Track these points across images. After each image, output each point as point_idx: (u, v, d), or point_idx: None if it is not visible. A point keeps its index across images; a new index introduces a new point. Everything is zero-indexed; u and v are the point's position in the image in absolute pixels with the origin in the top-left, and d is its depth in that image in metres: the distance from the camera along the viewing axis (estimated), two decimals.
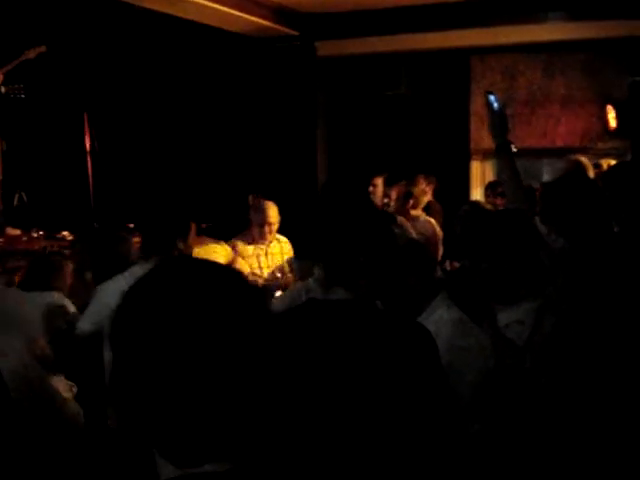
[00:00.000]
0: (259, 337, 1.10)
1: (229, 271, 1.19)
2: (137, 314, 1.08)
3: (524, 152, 8.49)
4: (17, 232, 7.37)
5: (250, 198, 7.31)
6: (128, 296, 1.11)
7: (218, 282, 1.11)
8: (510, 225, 2.76)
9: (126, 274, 3.48)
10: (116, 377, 1.09)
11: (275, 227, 5.24)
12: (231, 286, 1.12)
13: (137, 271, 3.18)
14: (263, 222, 5.16)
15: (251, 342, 1.08)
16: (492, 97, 3.19)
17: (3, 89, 7.24)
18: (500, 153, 3.18)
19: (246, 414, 1.08)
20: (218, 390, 1.05)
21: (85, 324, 3.59)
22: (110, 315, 1.12)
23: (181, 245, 3.67)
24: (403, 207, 6.27)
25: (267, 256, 5.26)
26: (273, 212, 5.20)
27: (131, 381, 1.06)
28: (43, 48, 7.32)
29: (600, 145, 8.07)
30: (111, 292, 3.28)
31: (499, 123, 3.18)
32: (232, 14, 7.21)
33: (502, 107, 3.20)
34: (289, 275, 4.87)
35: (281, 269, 5.08)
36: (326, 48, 8.70)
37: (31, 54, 7.24)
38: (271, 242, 5.27)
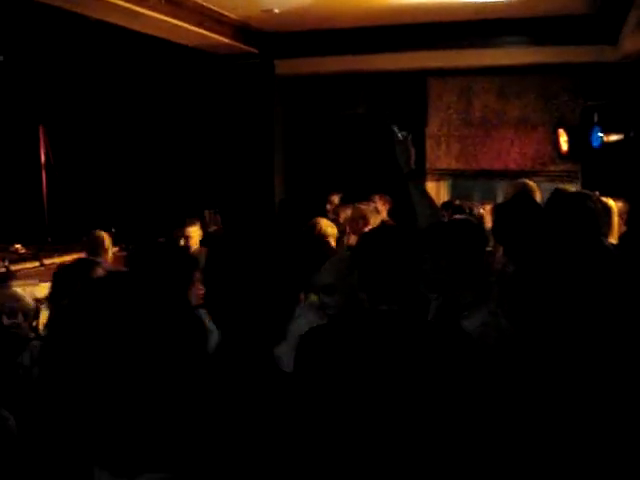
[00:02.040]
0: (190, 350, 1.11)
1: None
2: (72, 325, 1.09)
3: (478, 174, 8.64)
4: None
5: (206, 213, 7.32)
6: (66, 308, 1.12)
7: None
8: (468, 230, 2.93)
9: None
10: (54, 384, 1.09)
11: None
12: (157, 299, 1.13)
13: None
14: None
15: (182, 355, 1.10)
16: (395, 128, 3.33)
17: None
18: (409, 180, 3.30)
19: (180, 423, 1.09)
20: (152, 399, 1.06)
21: None
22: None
23: None
24: (357, 227, 6.29)
25: None
26: None
27: (69, 389, 1.07)
28: None
29: (552, 168, 8.22)
30: None
31: (404, 152, 3.31)
32: (192, 30, 7.22)
33: (406, 136, 3.33)
34: None
35: None
36: (285, 66, 8.75)
37: None
38: None
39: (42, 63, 8.39)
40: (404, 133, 3.33)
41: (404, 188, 3.21)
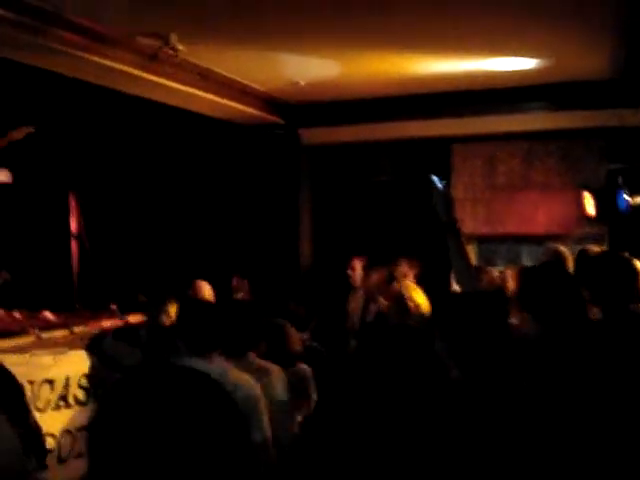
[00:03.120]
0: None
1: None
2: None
3: (504, 238, 8.63)
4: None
5: (234, 280, 7.36)
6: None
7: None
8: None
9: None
10: None
11: None
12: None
13: None
14: None
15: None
16: (435, 178, 3.31)
17: None
18: (447, 232, 3.24)
19: None
20: None
21: None
22: None
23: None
24: (386, 289, 6.29)
25: None
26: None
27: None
28: (31, 129, 7.32)
29: (578, 231, 8.18)
30: None
31: (444, 203, 3.28)
32: (220, 102, 7.39)
33: (445, 187, 3.31)
34: None
35: None
36: (310, 136, 8.91)
37: (18, 135, 7.21)
38: None
39: (74, 134, 8.57)
40: (444, 183, 3.31)
41: (442, 241, 3.14)
